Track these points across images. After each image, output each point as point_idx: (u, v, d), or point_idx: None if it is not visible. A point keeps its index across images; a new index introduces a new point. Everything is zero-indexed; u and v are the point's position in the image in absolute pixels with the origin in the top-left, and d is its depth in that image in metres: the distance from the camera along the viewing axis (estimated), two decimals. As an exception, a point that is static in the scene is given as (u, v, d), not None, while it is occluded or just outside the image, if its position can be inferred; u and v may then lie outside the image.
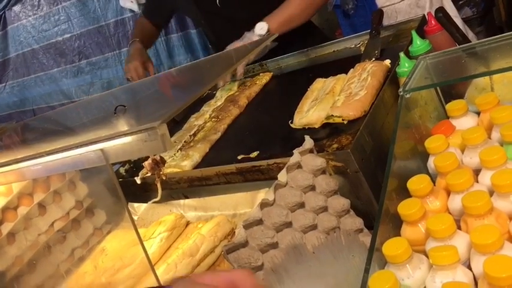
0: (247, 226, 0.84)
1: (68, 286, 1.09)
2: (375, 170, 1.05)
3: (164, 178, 1.26)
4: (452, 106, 0.97)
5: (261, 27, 1.46)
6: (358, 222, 0.99)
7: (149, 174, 1.34)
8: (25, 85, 4.09)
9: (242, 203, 1.17)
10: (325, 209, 0.96)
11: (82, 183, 1.38)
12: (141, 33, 1.97)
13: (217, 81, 1.31)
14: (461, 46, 1.05)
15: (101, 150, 0.66)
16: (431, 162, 0.90)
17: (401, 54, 1.14)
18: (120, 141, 0.65)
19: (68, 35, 3.48)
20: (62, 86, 3.84)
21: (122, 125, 0.76)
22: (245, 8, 1.65)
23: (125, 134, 0.64)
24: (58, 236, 1.27)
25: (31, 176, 0.94)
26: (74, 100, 3.75)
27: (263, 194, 1.14)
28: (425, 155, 0.94)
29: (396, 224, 0.83)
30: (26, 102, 4.20)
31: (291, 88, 1.53)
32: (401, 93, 0.95)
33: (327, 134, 1.14)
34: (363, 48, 1.45)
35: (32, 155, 0.76)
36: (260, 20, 1.45)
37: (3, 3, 3.70)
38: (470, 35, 1.91)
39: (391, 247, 0.73)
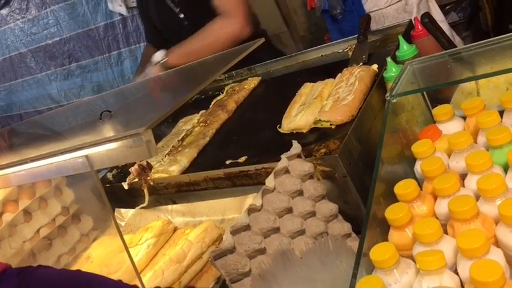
0: (235, 232, 0.83)
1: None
2: (362, 175, 1.05)
3: (152, 183, 1.25)
4: (439, 111, 0.98)
5: (158, 56, 1.57)
6: (346, 227, 0.99)
7: (136, 179, 1.33)
8: (12, 89, 4.04)
9: (230, 208, 1.16)
10: (313, 214, 0.96)
11: (68, 189, 1.37)
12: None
13: (204, 86, 1.33)
14: (447, 51, 1.06)
15: (86, 156, 0.66)
16: (418, 167, 0.91)
17: (389, 59, 1.15)
18: (105, 148, 0.64)
19: (58, 38, 3.46)
20: (49, 90, 3.80)
21: (107, 131, 0.75)
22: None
23: (110, 140, 0.63)
24: (44, 243, 1.25)
25: (16, 183, 0.92)
26: (62, 104, 3.71)
27: (251, 199, 1.13)
28: (412, 160, 0.94)
29: (384, 229, 0.83)
30: (13, 106, 4.15)
31: (279, 92, 1.53)
32: (388, 98, 0.95)
33: (315, 138, 1.13)
34: (350, 53, 1.46)
35: (16, 161, 0.75)
36: None
37: (-10, 7, 3.67)
38: (457, 39, 1.92)
39: (378, 252, 0.73)
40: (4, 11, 3.62)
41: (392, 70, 1.14)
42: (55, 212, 1.31)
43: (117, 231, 0.85)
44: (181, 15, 1.80)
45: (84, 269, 0.84)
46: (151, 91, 1.04)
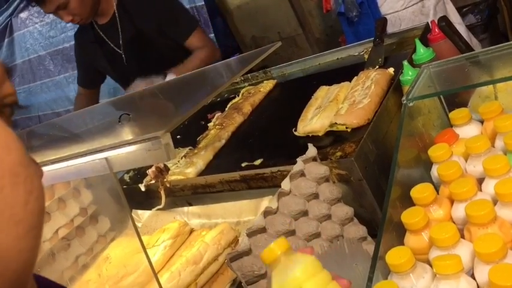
0: (251, 234, 0.84)
1: (71, 293, 1.09)
2: (378, 178, 1.05)
3: (168, 185, 1.27)
4: (456, 114, 0.97)
5: (171, 77, 1.75)
6: (362, 230, 0.99)
7: (153, 181, 1.34)
8: (31, 91, 4.11)
9: (246, 210, 1.17)
10: (328, 217, 0.96)
11: (86, 190, 1.39)
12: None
13: (222, 89, 1.40)
14: (464, 55, 1.06)
15: (105, 159, 0.67)
16: (434, 171, 0.90)
17: (405, 63, 1.14)
18: (124, 150, 0.66)
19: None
20: (67, 92, 3.85)
21: (126, 134, 0.76)
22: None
23: (129, 143, 0.65)
24: (62, 243, 1.27)
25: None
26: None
27: (267, 201, 1.14)
28: (428, 164, 0.94)
29: (400, 233, 0.83)
30: (32, 108, 4.22)
31: (294, 96, 1.54)
32: (405, 101, 0.95)
33: (331, 142, 1.14)
34: (366, 56, 1.46)
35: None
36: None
37: (10, 10, 3.73)
38: (474, 42, 1.90)
39: (395, 256, 0.73)
40: (23, 15, 3.68)
41: (408, 73, 1.13)
42: (73, 212, 1.33)
43: (135, 232, 0.86)
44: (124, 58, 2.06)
45: (103, 270, 0.86)
46: (169, 94, 1.05)
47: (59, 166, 0.74)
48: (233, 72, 0.91)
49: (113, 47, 2.04)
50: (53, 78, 3.90)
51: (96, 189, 1.37)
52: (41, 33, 3.65)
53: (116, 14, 1.99)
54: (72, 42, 3.54)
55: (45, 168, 0.77)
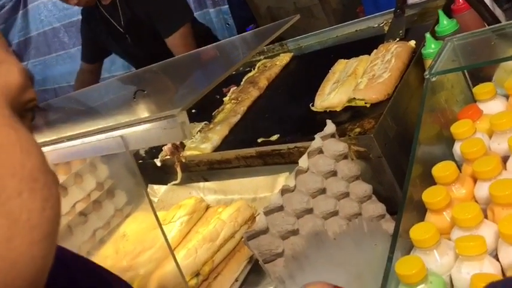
0: (268, 213, 0.83)
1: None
2: (398, 155, 1.02)
3: (184, 161, 1.26)
4: (480, 89, 0.94)
5: None
6: (381, 208, 0.97)
7: (169, 157, 1.34)
8: (46, 64, 4.11)
9: (262, 186, 1.16)
10: (346, 194, 0.94)
11: (103, 165, 1.39)
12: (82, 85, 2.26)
13: (240, 65, 1.38)
14: (491, 27, 1.01)
15: (121, 137, 0.66)
16: (457, 148, 0.88)
17: (428, 35, 1.10)
18: (139, 128, 0.64)
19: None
20: (82, 65, 3.85)
21: (141, 111, 0.75)
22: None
23: (144, 121, 0.63)
24: (80, 218, 1.28)
25: (52, 161, 0.94)
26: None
27: (283, 178, 1.13)
28: (450, 141, 0.91)
29: (420, 212, 0.82)
30: (48, 81, 4.23)
31: (311, 69, 1.50)
32: (427, 76, 0.92)
33: (349, 117, 1.11)
34: (386, 28, 1.41)
35: (53, 140, 0.76)
36: None
37: (24, -18, 3.71)
38: (497, 12, 1.83)
39: (419, 231, 0.72)
40: (37, -13, 3.66)
41: (431, 46, 1.09)
42: (90, 187, 1.33)
43: (151, 208, 0.86)
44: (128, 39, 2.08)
45: (120, 247, 0.86)
46: (184, 70, 1.03)
47: (75, 143, 0.74)
48: (250, 47, 0.88)
49: (117, 27, 2.06)
50: (67, 51, 3.89)
51: (112, 163, 1.36)
52: (55, 5, 3.62)
53: None
54: (86, 15, 3.51)
55: (60, 145, 0.77)
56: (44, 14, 3.77)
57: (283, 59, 1.61)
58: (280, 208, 0.84)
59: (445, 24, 1.15)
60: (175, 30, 1.96)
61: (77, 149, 0.73)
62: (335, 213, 0.91)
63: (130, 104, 0.77)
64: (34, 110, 0.35)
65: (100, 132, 0.70)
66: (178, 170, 1.19)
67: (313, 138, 0.98)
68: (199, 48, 1.03)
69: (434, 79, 0.91)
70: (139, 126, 0.64)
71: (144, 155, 1.56)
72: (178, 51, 1.94)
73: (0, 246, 0.29)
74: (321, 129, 1.00)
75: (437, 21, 1.18)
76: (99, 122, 0.77)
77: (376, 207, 0.97)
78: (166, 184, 1.42)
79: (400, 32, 1.31)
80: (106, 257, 0.99)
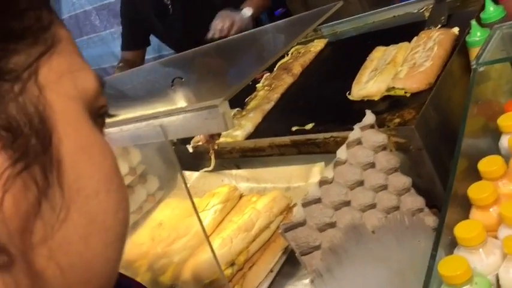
0: (306, 204, 0.81)
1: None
2: (438, 147, 0.99)
3: (216, 148, 1.25)
4: (530, 80, 0.90)
5: (247, 11, 1.82)
6: (420, 201, 0.94)
7: (201, 143, 1.33)
8: (78, 46, 4.15)
9: (296, 176, 1.14)
10: (385, 187, 0.92)
11: (135, 150, 1.39)
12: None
13: (283, 53, 1.38)
14: (543, 14, 0.96)
15: (160, 126, 0.65)
16: (504, 142, 0.84)
17: (473, 22, 1.05)
18: (179, 118, 0.63)
19: (120, -4, 3.49)
20: (113, 48, 3.86)
21: (180, 100, 0.74)
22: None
23: (185, 111, 0.62)
24: (113, 202, 1.29)
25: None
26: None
27: (318, 168, 1.11)
28: (496, 134, 0.88)
29: (464, 207, 0.79)
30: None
31: (347, 56, 1.46)
32: (475, 66, 0.88)
33: (388, 107, 1.08)
34: (427, 14, 1.36)
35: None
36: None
37: (56, -36, 3.73)
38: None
39: (464, 229, 0.69)
40: (69, -31, 3.67)
41: (476, 34, 1.05)
42: (123, 172, 1.33)
43: (186, 194, 0.85)
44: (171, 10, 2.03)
45: (156, 234, 0.86)
46: (223, 57, 1.01)
47: (113, 131, 0.73)
48: (293, 34, 0.86)
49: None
50: (98, 34, 3.91)
51: (145, 149, 1.37)
52: (86, -12, 3.65)
53: None
54: (119, -3, 3.52)
55: (98, 133, 0.76)
56: (75, -3, 3.79)
57: (318, 45, 1.57)
58: (318, 200, 0.83)
59: (491, 10, 1.10)
60: None
61: (115, 136, 0.73)
62: (373, 206, 0.88)
63: (167, 91, 0.76)
64: (104, 116, 0.36)
65: (139, 120, 0.69)
66: (213, 157, 1.19)
67: (350, 128, 0.95)
68: (237, 35, 1.00)
69: (481, 69, 0.87)
70: (180, 115, 0.63)
71: (175, 140, 1.56)
72: None
73: (79, 243, 0.30)
74: (358, 119, 0.97)
75: (482, 8, 1.13)
76: (137, 109, 0.76)
77: (415, 201, 0.94)
78: (197, 170, 1.41)
79: (442, 18, 1.26)
80: (141, 244, 0.99)
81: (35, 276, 0.28)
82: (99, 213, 0.31)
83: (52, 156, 0.29)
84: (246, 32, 0.98)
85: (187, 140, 1.46)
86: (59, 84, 0.30)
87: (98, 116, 0.34)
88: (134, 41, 2.28)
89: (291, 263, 0.95)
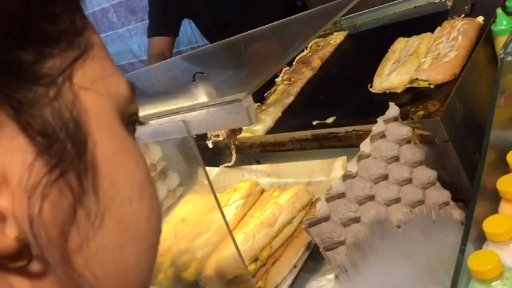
0: (330, 199, 0.80)
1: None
2: (464, 140, 0.97)
3: (237, 143, 1.24)
4: (559, 69, 0.87)
5: None
6: (446, 195, 0.92)
7: (221, 138, 1.33)
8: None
9: (318, 170, 1.13)
10: (409, 180, 0.90)
11: (156, 146, 1.39)
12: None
13: (306, 44, 1.30)
14: None
15: (183, 121, 0.64)
16: (533, 133, 0.82)
17: (499, 10, 1.03)
18: (202, 113, 0.62)
19: (138, -7, 3.50)
20: (130, 45, 3.89)
21: (202, 94, 0.73)
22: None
23: (208, 105, 0.61)
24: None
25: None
26: (142, 59, 3.79)
27: (340, 162, 1.09)
28: (525, 125, 0.85)
29: (493, 201, 0.77)
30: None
31: (368, 48, 1.44)
32: (502, 55, 0.86)
33: (411, 99, 1.06)
34: (449, 3, 1.33)
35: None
36: None
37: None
38: None
39: (494, 224, 0.67)
40: (86, -33, 3.70)
41: (502, 23, 1.02)
42: (144, 168, 1.35)
43: (209, 189, 0.84)
44: None
45: (179, 230, 0.86)
46: (245, 50, 1.00)
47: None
48: (314, 27, 0.84)
49: None
50: (116, 31, 3.94)
51: (165, 145, 1.37)
52: (104, -15, 3.67)
53: None
54: (137, -7, 3.52)
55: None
56: (93, -6, 3.82)
57: (337, 37, 1.55)
58: (342, 195, 0.81)
59: (518, -2, 1.07)
60: None
61: (138, 132, 0.72)
62: (398, 200, 0.87)
63: (189, 87, 0.76)
64: (135, 124, 0.35)
65: (161, 116, 0.68)
66: (234, 152, 1.18)
67: (372, 121, 0.94)
68: (255, 29, 0.99)
69: (509, 58, 0.85)
70: (202, 110, 0.63)
71: (194, 136, 1.56)
72: None
73: (114, 252, 0.29)
74: (380, 112, 0.95)
75: (508, -5, 1.10)
76: (159, 105, 0.76)
77: (440, 194, 0.92)
78: (217, 166, 1.41)
79: (466, 7, 1.23)
80: (164, 240, 0.99)
81: (70, 285, 0.28)
82: (132, 221, 0.30)
83: (87, 162, 0.28)
84: (265, 26, 0.97)
85: (205, 135, 1.45)
86: (93, 89, 0.30)
87: (129, 123, 0.34)
88: (165, 25, 2.00)
89: (314, 258, 0.94)
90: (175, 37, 2.07)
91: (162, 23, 2.02)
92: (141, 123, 0.36)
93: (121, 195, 0.30)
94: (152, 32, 2.04)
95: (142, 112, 0.77)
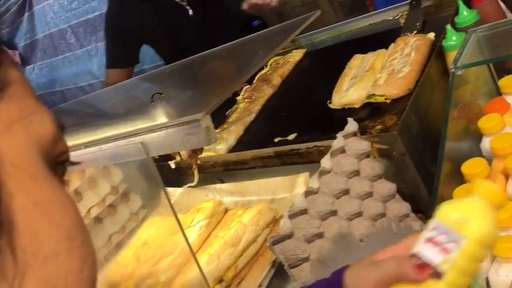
0: (292, 216, 0.80)
1: (108, 274, 1.08)
2: (421, 152, 0.99)
3: (199, 163, 1.23)
4: (506, 82, 0.91)
5: None
6: (405, 207, 0.94)
7: (183, 158, 1.31)
8: (53, 66, 4.09)
9: (281, 187, 1.13)
10: (370, 194, 0.92)
11: (117, 169, 1.37)
12: None
13: (264, 63, 1.31)
14: (516, 16, 0.98)
15: (141, 143, 0.63)
16: (486, 144, 0.85)
17: (448, 27, 1.07)
18: (161, 134, 0.62)
19: (98, 13, 3.44)
20: (89, 66, 3.82)
21: (160, 115, 0.73)
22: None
23: (166, 126, 0.61)
24: (95, 223, 1.26)
25: (68, 169, 0.91)
26: (102, 79, 3.73)
27: (303, 178, 1.10)
28: (477, 136, 0.88)
29: (450, 211, 0.79)
30: (55, 83, 4.21)
31: (326, 65, 1.47)
32: (453, 69, 0.89)
33: (369, 114, 1.08)
34: (402, 21, 1.37)
35: (70, 148, 0.73)
36: None
37: (29, -16, 3.69)
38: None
39: None
40: (43, -12, 3.64)
41: (452, 39, 1.06)
42: (105, 191, 1.32)
43: (170, 211, 0.83)
44: (190, 11, 1.84)
45: (142, 254, 0.84)
46: (202, 70, 1.00)
47: (93, 150, 0.71)
48: (272, 45, 0.85)
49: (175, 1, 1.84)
50: (74, 52, 3.87)
51: (126, 167, 1.34)
52: (61, 6, 3.60)
53: None
54: (97, 13, 3.48)
55: (78, 153, 0.75)
56: (50, 16, 3.75)
57: (296, 55, 1.57)
58: (304, 211, 0.82)
59: (465, 15, 1.12)
60: None
61: (95, 156, 0.71)
62: (359, 214, 0.88)
63: (148, 108, 0.75)
64: (65, 164, 0.32)
65: (119, 138, 0.67)
66: (196, 172, 1.17)
67: (332, 137, 0.95)
68: (213, 49, 0.99)
69: (460, 72, 0.88)
70: (161, 131, 0.62)
71: (157, 157, 1.54)
72: None
73: None
74: (340, 127, 0.97)
75: (456, 12, 1.15)
76: (117, 127, 0.75)
77: (400, 207, 0.94)
78: (180, 186, 1.39)
79: (418, 24, 1.28)
80: (126, 265, 0.97)
81: None
82: (60, 276, 0.27)
83: (1, 216, 0.25)
84: (223, 46, 0.97)
85: (168, 156, 1.44)
86: (9, 133, 0.27)
87: (58, 163, 0.31)
88: (124, 55, 1.99)
89: (279, 276, 0.94)
90: (136, 64, 2.06)
91: (120, 56, 2.00)
92: (73, 163, 0.33)
93: (45, 249, 0.27)
94: (109, 63, 2.02)
95: (101, 134, 0.76)
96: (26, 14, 3.88)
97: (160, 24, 1.87)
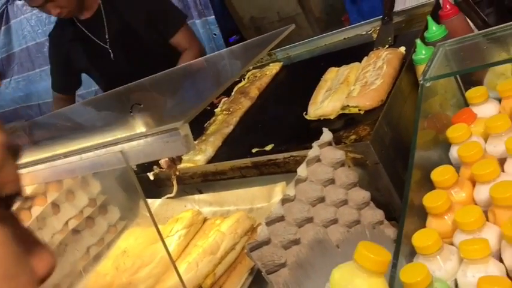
0: (270, 223, 0.82)
1: (87, 284, 1.08)
2: (393, 161, 1.03)
3: (178, 173, 1.25)
4: (473, 93, 0.95)
5: None
6: (379, 214, 0.97)
7: (163, 169, 1.32)
8: (30, 79, 4.06)
9: (259, 197, 1.15)
10: (345, 202, 0.94)
11: (95, 181, 1.37)
12: None
13: (239, 75, 1.37)
14: (480, 32, 1.03)
15: (121, 152, 0.65)
16: (454, 152, 0.88)
17: (418, 41, 1.11)
18: (140, 143, 0.63)
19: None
20: (66, 80, 3.81)
21: (140, 125, 0.74)
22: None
23: (145, 135, 0.62)
24: (73, 235, 1.26)
25: (47, 179, 0.92)
26: (79, 93, 3.71)
27: (280, 187, 1.12)
28: (446, 145, 0.92)
29: (421, 217, 0.82)
30: (32, 96, 4.17)
31: (302, 78, 1.51)
32: (422, 81, 0.93)
33: (343, 125, 1.12)
34: (375, 35, 1.42)
35: (49, 157, 0.74)
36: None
37: (5, -3, 3.67)
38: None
39: (421, 238, 0.72)
40: (19, 2, 3.62)
41: (422, 52, 1.10)
42: (82, 203, 1.32)
43: (150, 221, 0.84)
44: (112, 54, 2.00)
45: (121, 263, 0.84)
46: (178, 83, 1.02)
47: (72, 160, 0.72)
48: (248, 57, 0.88)
49: (98, 42, 1.99)
50: (51, 66, 3.85)
51: (105, 179, 1.35)
52: (39, 20, 3.59)
53: (101, 7, 1.96)
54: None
55: (56, 163, 0.75)
56: (27, 30, 3.73)
57: (273, 68, 1.61)
58: (281, 218, 0.84)
59: (434, 30, 1.17)
60: (180, 27, 1.96)
61: (75, 165, 0.72)
62: (335, 221, 0.90)
63: (127, 118, 0.76)
64: (13, 197, 0.29)
65: (98, 147, 0.69)
66: (175, 183, 1.18)
67: (308, 147, 0.98)
68: (190, 61, 1.02)
69: (428, 84, 0.92)
70: (140, 140, 0.64)
71: (135, 168, 1.55)
72: (185, 47, 1.96)
73: None
74: (316, 138, 1.00)
75: (425, 28, 1.20)
76: (96, 137, 0.76)
77: (374, 214, 0.97)
78: (159, 198, 1.40)
79: (389, 38, 1.33)
80: (105, 275, 0.97)
81: None
82: None
83: None
84: (201, 58, 0.99)
85: (147, 168, 1.45)
86: None
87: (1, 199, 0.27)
88: (64, 85, 2.20)
89: (257, 283, 0.95)
90: (77, 89, 2.27)
91: (60, 83, 2.20)
92: (19, 195, 0.29)
93: None
94: (54, 87, 2.23)
95: (80, 145, 0.77)
96: (3, 28, 3.86)
97: (89, 62, 2.05)
